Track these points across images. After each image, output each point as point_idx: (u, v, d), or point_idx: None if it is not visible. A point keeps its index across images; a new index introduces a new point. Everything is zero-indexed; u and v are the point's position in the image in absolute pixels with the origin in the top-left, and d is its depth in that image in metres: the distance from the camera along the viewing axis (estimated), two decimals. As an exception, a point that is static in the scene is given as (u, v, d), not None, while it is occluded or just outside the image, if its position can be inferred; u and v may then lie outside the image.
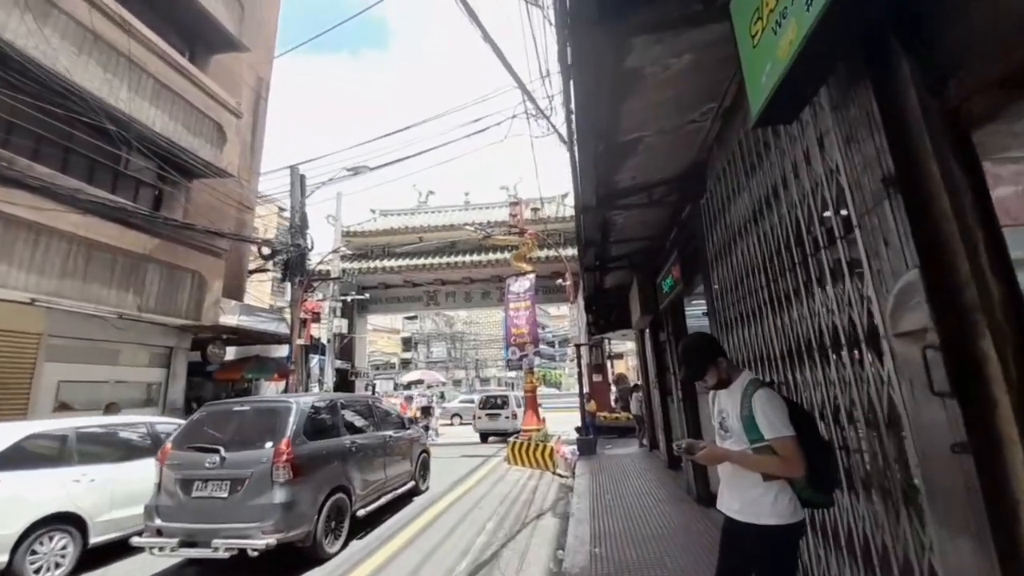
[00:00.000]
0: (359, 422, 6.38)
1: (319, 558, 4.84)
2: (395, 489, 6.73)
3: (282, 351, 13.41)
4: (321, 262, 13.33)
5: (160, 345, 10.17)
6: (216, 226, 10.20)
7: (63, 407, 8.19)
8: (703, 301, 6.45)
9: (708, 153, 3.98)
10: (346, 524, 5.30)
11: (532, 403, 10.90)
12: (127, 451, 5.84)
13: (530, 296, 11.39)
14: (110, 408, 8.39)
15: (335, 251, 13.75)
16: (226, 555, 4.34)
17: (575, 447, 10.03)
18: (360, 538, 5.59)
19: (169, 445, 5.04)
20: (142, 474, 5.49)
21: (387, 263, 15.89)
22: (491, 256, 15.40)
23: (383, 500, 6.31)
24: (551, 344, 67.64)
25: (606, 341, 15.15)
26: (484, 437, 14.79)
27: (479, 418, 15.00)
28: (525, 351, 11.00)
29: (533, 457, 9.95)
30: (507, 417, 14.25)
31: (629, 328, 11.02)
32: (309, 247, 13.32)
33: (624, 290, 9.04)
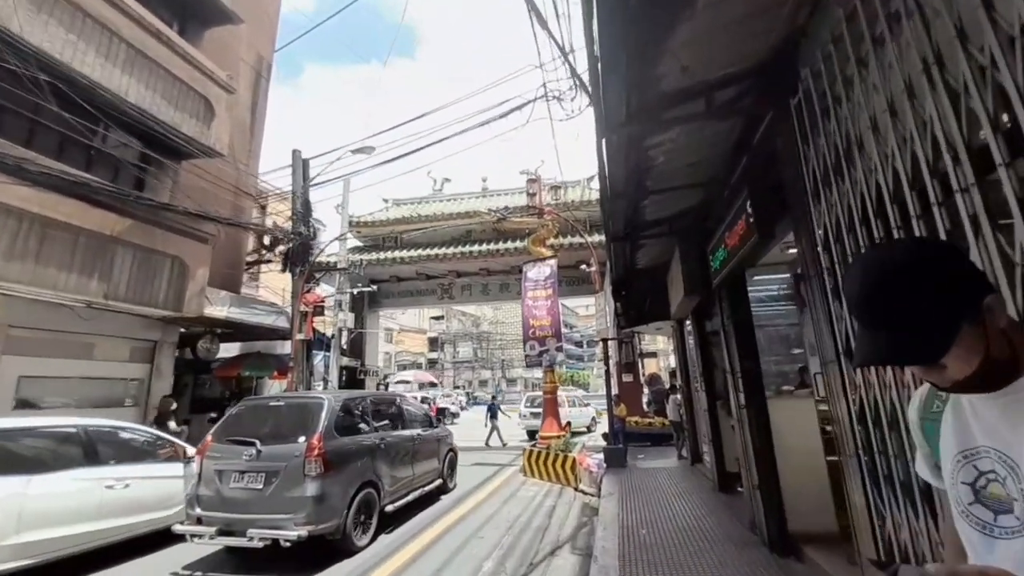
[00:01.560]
0: (388, 420, 6.52)
1: (348, 551, 4.96)
2: (423, 486, 6.85)
3: (287, 347, 12.49)
4: (321, 252, 12.34)
5: (142, 339, 9.33)
6: (202, 209, 9.29)
7: (24, 405, 7.38)
8: (776, 275, 4.90)
9: (804, 26, 2.50)
10: (375, 519, 5.45)
11: (552, 406, 9.47)
12: (50, 459, 4.82)
13: (551, 284, 9.98)
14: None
15: (340, 238, 12.73)
16: (260, 545, 4.45)
17: (601, 458, 8.54)
18: (388, 532, 5.73)
19: (209, 438, 5.27)
20: (70, 487, 4.65)
21: (398, 254, 14.81)
22: (509, 245, 14.06)
23: (411, 496, 6.41)
24: (579, 344, 66.01)
25: (637, 337, 13.51)
26: (531, 434, 14.76)
27: (525, 416, 15.43)
28: (546, 345, 9.59)
29: (552, 469, 8.52)
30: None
31: (665, 320, 9.42)
32: (312, 236, 12.38)
33: (660, 272, 7.49)
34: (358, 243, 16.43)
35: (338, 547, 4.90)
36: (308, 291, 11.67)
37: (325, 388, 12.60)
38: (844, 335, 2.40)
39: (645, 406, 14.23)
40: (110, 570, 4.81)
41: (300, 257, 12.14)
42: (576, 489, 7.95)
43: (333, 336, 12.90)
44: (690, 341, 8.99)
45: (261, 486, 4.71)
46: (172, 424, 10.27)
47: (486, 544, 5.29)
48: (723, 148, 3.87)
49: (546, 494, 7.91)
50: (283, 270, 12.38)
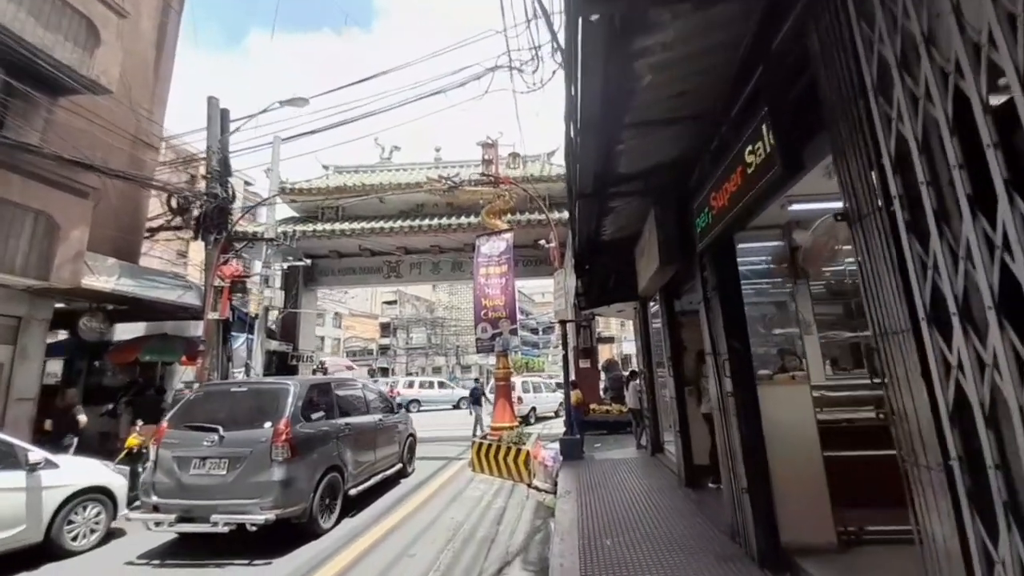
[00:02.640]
0: (351, 405, 6.55)
1: (314, 533, 5.03)
2: (384, 471, 6.94)
3: (201, 329, 10.81)
4: (242, 217, 10.69)
5: (1, 314, 7.52)
6: (81, 155, 7.51)
7: None
8: (764, 243, 4.20)
9: None
10: (339, 502, 5.54)
11: (504, 394, 8.61)
12: None
13: (507, 259, 9.03)
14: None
15: (265, 202, 11.11)
16: (225, 530, 4.51)
17: (557, 450, 7.80)
18: (352, 516, 5.79)
19: (165, 424, 5.24)
20: None
21: (338, 226, 13.31)
22: (463, 220, 12.94)
23: (373, 480, 6.51)
24: (534, 331, 66.00)
25: (596, 321, 12.91)
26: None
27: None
28: (499, 328, 8.66)
29: (503, 464, 7.69)
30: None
31: (629, 301, 8.76)
32: (230, 199, 10.69)
33: (626, 246, 6.73)
34: (293, 213, 14.70)
35: (304, 530, 4.95)
36: (225, 262, 10.05)
37: (247, 375, 11.07)
38: (931, 290, 1.61)
39: (602, 392, 13.74)
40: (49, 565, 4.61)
41: (215, 223, 10.45)
42: (530, 486, 7.17)
43: (257, 316, 11.33)
44: (655, 323, 8.39)
45: (224, 472, 4.71)
46: (82, 418, 8.45)
47: (420, 563, 4.34)
48: (724, 71, 3.03)
49: (496, 492, 7.07)
50: (194, 237, 10.65)
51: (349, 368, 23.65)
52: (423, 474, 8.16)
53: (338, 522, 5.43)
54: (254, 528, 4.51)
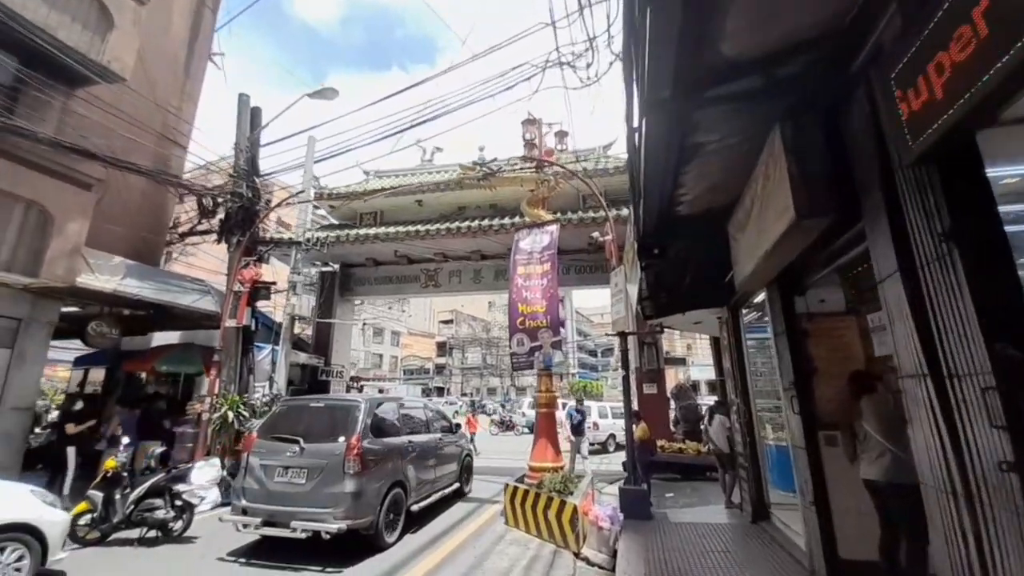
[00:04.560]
0: (413, 423, 6.67)
1: (379, 546, 5.21)
2: (443, 489, 7.03)
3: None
4: (264, 216, 9.87)
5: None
6: (83, 142, 6.89)
7: None
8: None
9: None
10: (402, 517, 5.71)
11: (547, 425, 6.72)
12: None
13: (550, 256, 7.27)
14: None
15: (287, 201, 10.26)
16: (303, 536, 4.83)
17: (616, 506, 5.73)
18: (414, 532, 5.93)
19: (255, 434, 5.68)
20: None
21: (372, 230, 12.28)
22: (506, 221, 11.40)
23: (433, 498, 6.61)
24: (592, 353, 62.75)
25: (664, 335, 10.66)
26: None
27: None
28: (539, 340, 6.86)
29: (543, 520, 5.75)
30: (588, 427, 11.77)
31: (713, 307, 6.63)
32: (256, 200, 9.94)
33: (714, 221, 4.73)
34: (332, 221, 14.00)
35: (370, 542, 5.15)
36: (246, 265, 9.20)
37: (270, 389, 10.07)
38: None
39: (672, 426, 11.32)
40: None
41: (239, 224, 9.68)
42: (577, 556, 5.18)
43: (283, 326, 10.39)
44: (754, 336, 6.18)
45: (303, 481, 5.00)
46: (70, 426, 7.99)
47: None
48: None
49: (532, 558, 5.17)
50: (218, 240, 9.96)
51: (381, 392, 22.64)
52: (447, 521, 6.50)
53: (401, 537, 5.59)
54: (328, 536, 4.77)
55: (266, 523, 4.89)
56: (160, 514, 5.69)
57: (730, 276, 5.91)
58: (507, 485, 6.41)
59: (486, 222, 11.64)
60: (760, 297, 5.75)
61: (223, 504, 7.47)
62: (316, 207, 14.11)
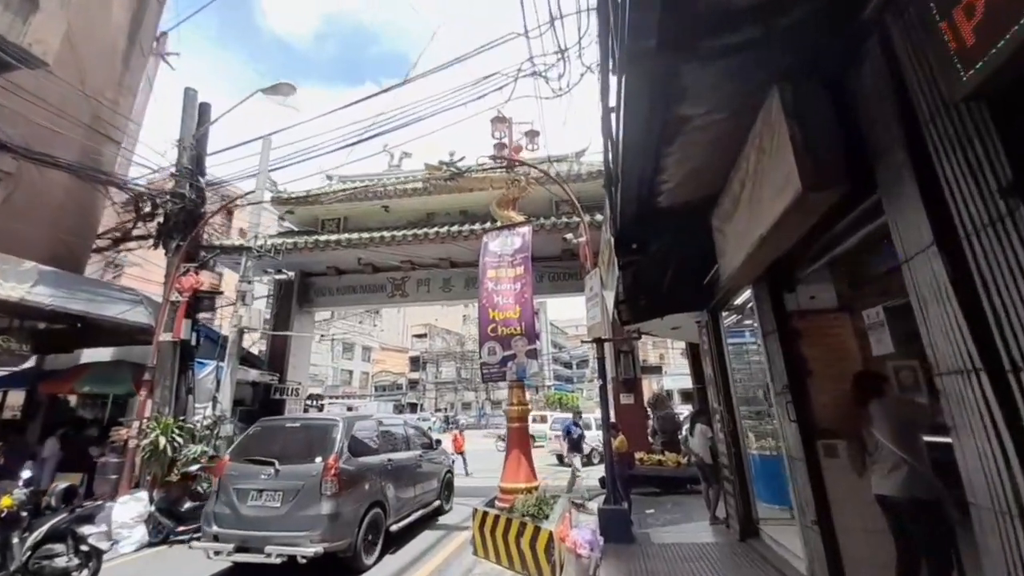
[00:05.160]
0: (393, 440, 6.58)
1: (358, 569, 5.11)
2: (423, 507, 6.89)
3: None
4: (211, 216, 9.04)
5: None
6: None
7: None
8: None
9: None
10: (381, 538, 5.57)
11: (520, 440, 6.17)
12: None
13: (523, 259, 6.82)
14: None
15: (240, 199, 9.47)
16: (278, 561, 4.63)
17: (595, 530, 5.21)
18: (392, 553, 5.80)
19: (227, 457, 5.46)
20: None
21: (333, 236, 11.56)
22: (476, 227, 10.92)
23: (413, 516, 6.47)
24: (567, 365, 62.50)
25: (641, 342, 10.33)
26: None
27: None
28: (512, 349, 6.35)
29: (515, 549, 5.16)
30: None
31: (693, 311, 6.30)
32: (199, 201, 9.13)
33: (696, 213, 4.37)
34: (292, 227, 13.17)
35: (348, 565, 5.04)
36: (185, 272, 8.34)
37: (214, 410, 9.12)
38: None
39: (650, 436, 10.94)
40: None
41: (180, 228, 8.84)
42: (553, 589, 4.61)
43: (227, 339, 9.48)
44: (735, 339, 5.88)
45: (279, 504, 4.86)
46: None
47: None
48: None
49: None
50: (155, 245, 9.06)
51: (350, 409, 21.42)
52: (428, 540, 6.13)
53: (380, 558, 5.47)
54: (304, 560, 4.63)
55: (239, 549, 4.72)
56: (61, 562, 4.79)
57: (711, 276, 5.60)
58: (475, 510, 5.78)
59: (455, 228, 11.13)
60: (742, 298, 5.44)
61: (151, 544, 6.56)
62: (282, 218, 13.28)
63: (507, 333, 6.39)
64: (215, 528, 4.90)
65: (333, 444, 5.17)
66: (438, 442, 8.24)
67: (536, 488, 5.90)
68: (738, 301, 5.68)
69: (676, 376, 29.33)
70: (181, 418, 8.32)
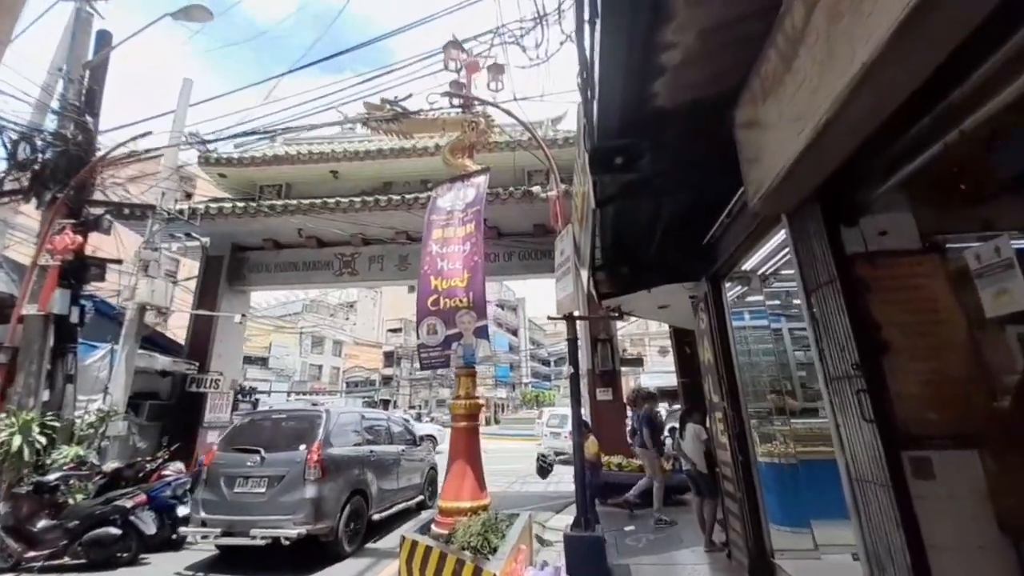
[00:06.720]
0: (376, 433, 6.90)
1: (339, 554, 5.30)
2: (406, 500, 7.21)
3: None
4: (97, 163, 7.30)
5: None
6: None
7: None
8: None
9: None
10: (363, 526, 5.84)
11: (467, 444, 4.75)
12: None
13: (475, 214, 5.37)
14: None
15: (143, 150, 7.77)
16: (263, 543, 4.88)
17: (560, 567, 3.82)
18: (374, 541, 6.05)
19: (216, 447, 5.75)
20: None
21: (267, 202, 9.90)
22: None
23: (395, 509, 6.80)
24: (545, 363, 61.32)
25: (623, 327, 9.02)
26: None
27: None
28: (457, 326, 4.90)
29: (448, 594, 3.74)
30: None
31: (688, 280, 5.00)
32: (85, 145, 7.39)
33: (711, 116, 3.00)
34: (227, 195, 11.41)
35: (329, 550, 5.24)
36: (62, 230, 6.64)
37: (104, 402, 7.42)
38: None
39: (629, 438, 9.65)
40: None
41: (60, 177, 7.13)
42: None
43: (123, 312, 7.77)
44: (740, 318, 4.61)
45: (264, 490, 5.10)
46: None
47: None
48: None
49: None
50: (26, 197, 7.29)
51: (315, 405, 19.68)
52: (392, 541, 5.58)
53: (362, 545, 5.74)
54: (287, 542, 4.85)
55: (226, 533, 4.97)
56: None
57: (714, 232, 4.28)
58: (403, 538, 4.33)
59: (411, 195, 9.62)
60: (752, 261, 4.14)
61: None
62: (218, 186, 11.49)
63: (451, 306, 4.94)
64: (203, 514, 5.12)
65: (317, 433, 5.46)
66: (422, 439, 8.52)
67: (485, 507, 4.50)
68: (746, 266, 4.39)
69: (654, 374, 28.33)
70: (52, 413, 6.63)
